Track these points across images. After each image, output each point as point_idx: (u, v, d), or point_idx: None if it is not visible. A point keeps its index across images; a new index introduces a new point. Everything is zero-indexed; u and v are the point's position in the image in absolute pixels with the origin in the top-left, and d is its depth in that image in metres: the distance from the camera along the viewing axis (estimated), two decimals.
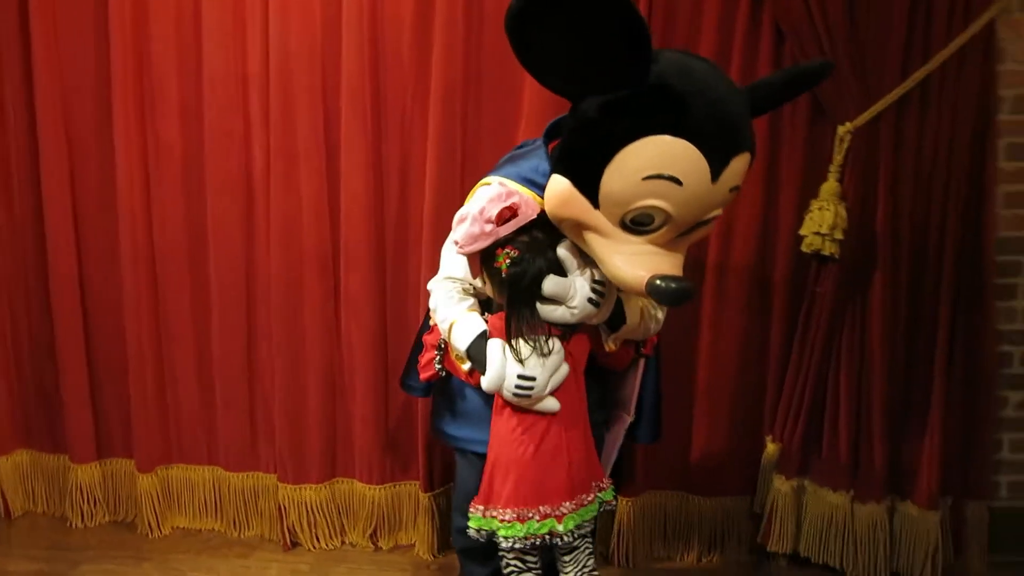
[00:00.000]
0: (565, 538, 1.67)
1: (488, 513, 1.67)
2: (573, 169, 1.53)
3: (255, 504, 2.62)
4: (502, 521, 1.65)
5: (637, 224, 1.51)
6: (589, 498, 1.70)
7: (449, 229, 1.75)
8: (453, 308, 1.74)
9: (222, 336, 2.54)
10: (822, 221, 2.19)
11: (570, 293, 1.61)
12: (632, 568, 2.45)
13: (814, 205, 2.21)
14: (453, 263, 1.77)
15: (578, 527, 1.68)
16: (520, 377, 1.60)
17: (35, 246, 2.60)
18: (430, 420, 2.04)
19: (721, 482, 2.46)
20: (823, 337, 2.27)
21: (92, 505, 2.68)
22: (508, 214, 1.59)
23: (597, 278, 1.62)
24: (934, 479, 2.31)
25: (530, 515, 1.65)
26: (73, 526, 2.66)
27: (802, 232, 2.23)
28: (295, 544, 2.56)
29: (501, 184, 1.67)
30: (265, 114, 2.41)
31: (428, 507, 2.47)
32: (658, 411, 2.00)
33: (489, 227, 1.58)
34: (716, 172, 1.46)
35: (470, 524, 1.69)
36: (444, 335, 1.75)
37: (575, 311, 1.61)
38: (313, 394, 2.49)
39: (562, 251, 1.62)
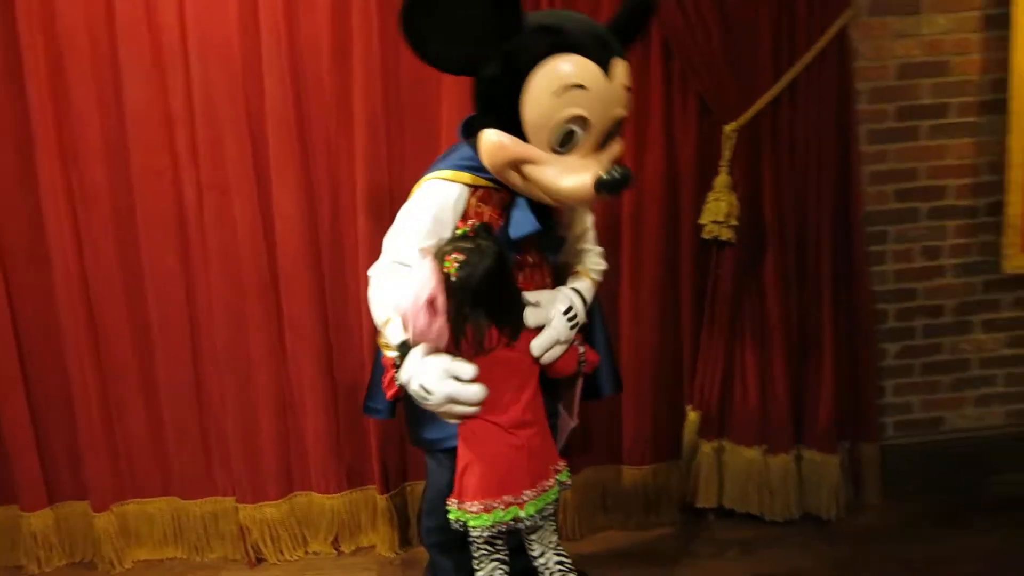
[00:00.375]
0: (527, 522, 1.85)
1: (461, 506, 1.83)
2: (496, 116, 1.75)
3: (216, 527, 2.70)
4: (471, 512, 1.81)
5: (565, 142, 1.74)
6: (549, 483, 1.88)
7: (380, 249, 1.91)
8: (394, 302, 1.79)
9: (167, 369, 2.60)
10: (718, 211, 2.47)
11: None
12: (580, 539, 2.68)
13: (710, 197, 2.49)
14: (404, 248, 1.84)
15: (540, 511, 1.86)
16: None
17: None
18: (408, 432, 2.10)
19: (651, 451, 2.71)
20: (727, 312, 2.56)
21: (48, 550, 2.68)
22: (433, 300, 1.70)
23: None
24: (831, 427, 2.63)
25: (495, 505, 1.81)
26: (29, 573, 2.67)
27: (701, 221, 2.51)
28: (260, 560, 2.66)
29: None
30: (193, 150, 2.48)
31: (386, 508, 2.62)
32: (613, 363, 2.22)
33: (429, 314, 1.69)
34: (606, 69, 1.72)
35: (450, 516, 1.84)
36: (379, 324, 1.84)
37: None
38: (265, 415, 2.59)
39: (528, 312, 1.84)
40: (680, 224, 2.58)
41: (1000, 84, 2.61)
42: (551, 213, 1.92)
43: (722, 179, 2.48)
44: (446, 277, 1.73)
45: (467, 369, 1.74)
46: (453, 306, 1.73)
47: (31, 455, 2.63)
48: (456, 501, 1.84)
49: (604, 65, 1.71)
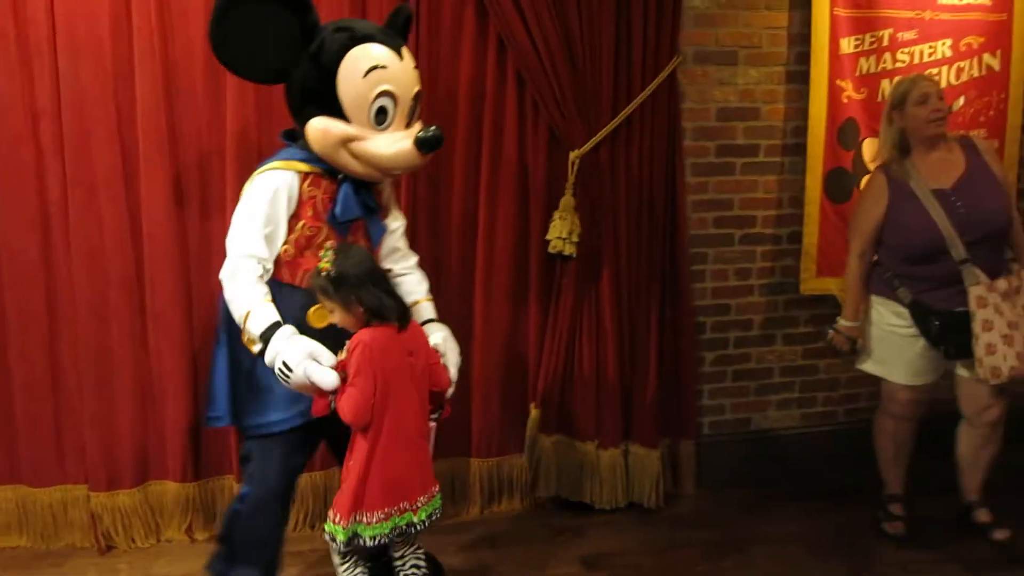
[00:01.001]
0: (418, 527, 2.01)
1: (357, 518, 1.94)
2: (318, 104, 2.03)
3: (64, 516, 2.71)
4: (368, 524, 1.94)
5: (381, 120, 2.05)
6: (436, 489, 2.08)
7: None
8: (251, 295, 1.96)
9: (23, 361, 2.61)
10: (562, 228, 2.76)
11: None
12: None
13: (556, 215, 2.78)
14: (247, 239, 1.99)
15: (430, 515, 2.05)
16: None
17: None
18: (240, 422, 2.18)
19: (497, 445, 2.96)
20: (568, 320, 2.85)
21: None
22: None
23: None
24: (654, 425, 2.98)
25: (393, 512, 1.96)
26: None
27: (548, 237, 2.80)
28: (110, 548, 2.70)
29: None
30: (59, 145, 2.53)
31: None
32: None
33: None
34: (398, 51, 2.08)
35: (336, 536, 1.95)
36: (239, 320, 1.97)
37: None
38: (123, 405, 2.65)
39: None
40: (529, 238, 2.86)
41: (800, 130, 3.06)
42: (375, 203, 2.17)
43: (567, 200, 2.78)
44: (325, 276, 1.93)
45: (326, 355, 1.92)
46: (339, 297, 1.93)
47: None
48: (339, 515, 1.95)
49: (396, 49, 2.07)
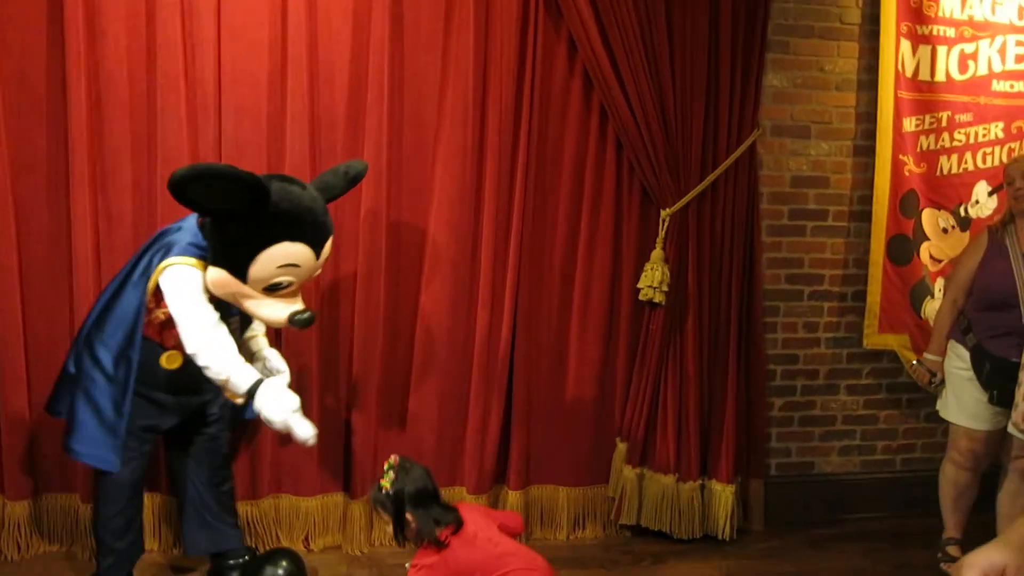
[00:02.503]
0: None
1: None
2: (228, 266, 2.30)
3: None
4: None
5: (273, 288, 2.34)
6: None
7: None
8: (230, 360, 2.35)
9: None
10: (653, 278, 3.07)
11: None
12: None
13: (647, 266, 3.10)
14: (202, 317, 2.34)
15: None
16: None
17: None
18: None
19: (583, 475, 3.22)
20: (655, 361, 3.13)
21: None
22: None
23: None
24: (730, 463, 3.22)
25: None
26: None
27: (639, 285, 3.10)
28: None
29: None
30: None
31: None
32: None
33: None
34: (318, 254, 2.38)
35: None
36: (220, 381, 2.35)
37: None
38: None
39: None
40: (621, 286, 3.17)
41: (865, 198, 3.38)
42: None
43: (657, 253, 3.09)
44: (384, 492, 2.29)
45: (306, 428, 2.36)
46: (393, 513, 2.28)
47: None
48: None
49: (318, 249, 2.37)
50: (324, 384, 3.00)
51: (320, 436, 2.45)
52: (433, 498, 2.31)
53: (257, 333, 2.72)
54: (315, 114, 2.92)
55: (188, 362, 2.41)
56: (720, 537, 3.22)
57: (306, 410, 2.44)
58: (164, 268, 2.37)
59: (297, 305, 2.40)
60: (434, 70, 2.98)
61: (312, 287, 2.90)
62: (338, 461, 3.05)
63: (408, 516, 2.26)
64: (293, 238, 2.29)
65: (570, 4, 2.92)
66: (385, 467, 2.33)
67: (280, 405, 2.33)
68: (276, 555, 2.72)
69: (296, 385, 2.56)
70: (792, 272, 3.40)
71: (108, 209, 2.86)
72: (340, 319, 3.01)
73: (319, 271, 2.50)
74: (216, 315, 2.38)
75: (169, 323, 2.41)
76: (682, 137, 3.07)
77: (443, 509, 2.30)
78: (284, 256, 2.29)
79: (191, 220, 2.43)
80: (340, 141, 2.95)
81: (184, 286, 2.35)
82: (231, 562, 2.74)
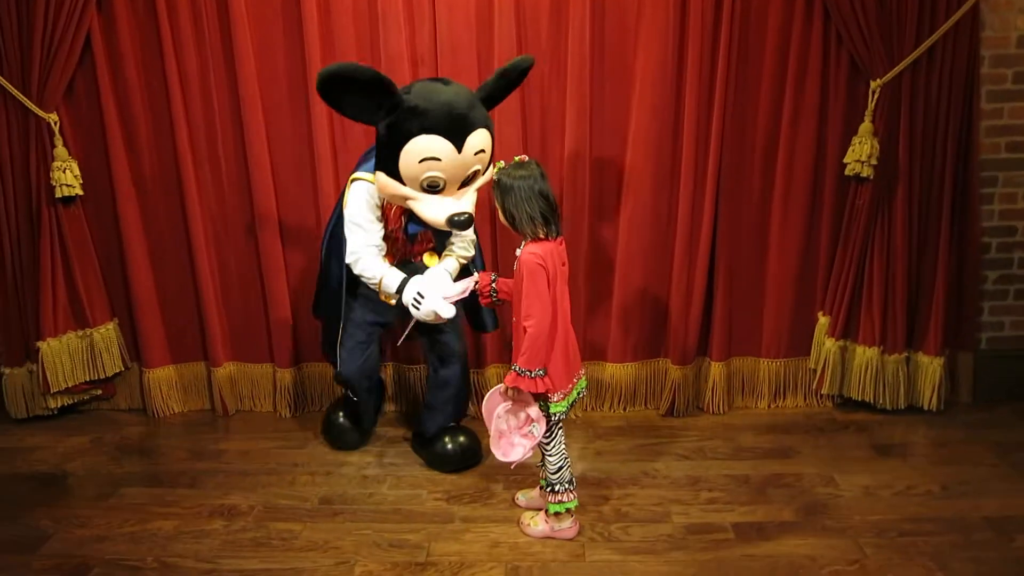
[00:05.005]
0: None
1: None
2: (384, 168, 2.49)
3: None
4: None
5: (431, 187, 2.47)
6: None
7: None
8: (379, 267, 2.65)
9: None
10: (861, 152, 3.03)
11: None
12: (723, 414, 3.33)
13: (855, 140, 3.05)
14: (365, 231, 2.64)
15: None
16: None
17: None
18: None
19: (785, 346, 3.34)
20: (861, 236, 3.13)
21: None
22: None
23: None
24: (938, 335, 3.21)
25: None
26: None
27: (846, 160, 3.07)
28: None
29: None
30: None
31: None
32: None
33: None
34: (459, 147, 2.42)
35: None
36: (374, 283, 2.65)
37: None
38: None
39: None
40: (826, 161, 3.15)
41: None
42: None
43: (866, 126, 3.03)
44: (497, 183, 2.35)
45: (448, 310, 2.57)
46: (499, 201, 2.35)
47: None
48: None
49: (458, 142, 2.41)
50: None
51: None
52: (543, 197, 2.32)
53: (454, 252, 2.85)
54: (520, 5, 3.05)
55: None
56: (926, 408, 3.26)
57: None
58: (349, 182, 2.67)
59: (459, 207, 2.51)
60: None
61: None
62: None
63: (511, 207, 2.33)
64: (427, 130, 2.39)
65: None
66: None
67: (424, 300, 2.57)
68: (454, 430, 2.98)
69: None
70: (1014, 140, 3.22)
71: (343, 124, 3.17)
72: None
73: (478, 167, 2.53)
74: (378, 234, 2.66)
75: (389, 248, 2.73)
76: (897, 2, 2.94)
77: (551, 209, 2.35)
78: (422, 150, 2.40)
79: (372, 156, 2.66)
80: (544, 30, 3.08)
81: (357, 199, 2.63)
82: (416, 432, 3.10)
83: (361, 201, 2.65)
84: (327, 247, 2.91)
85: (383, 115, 2.44)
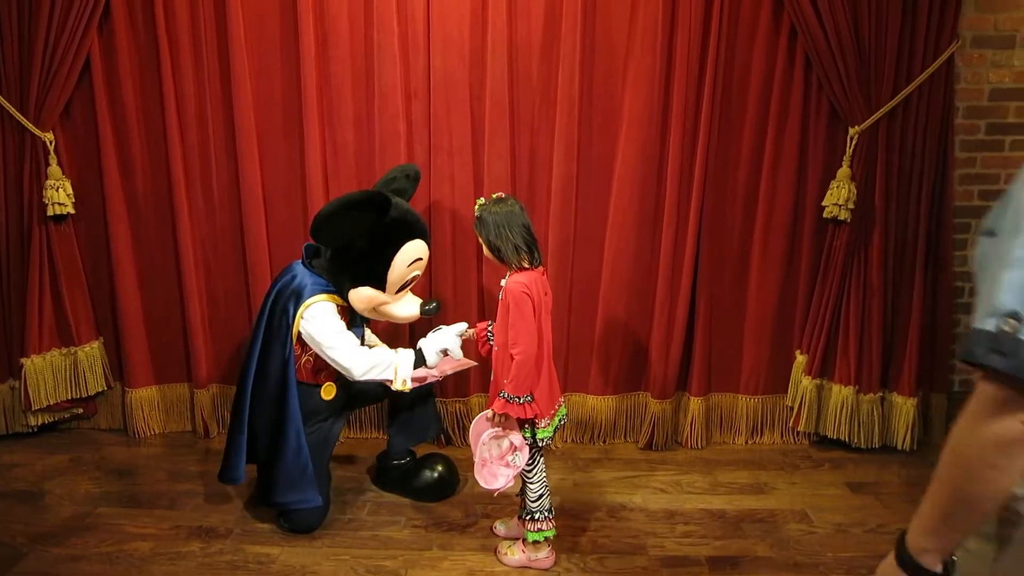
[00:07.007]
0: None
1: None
2: (369, 281, 2.61)
3: None
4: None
5: (404, 287, 2.68)
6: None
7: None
8: (384, 356, 2.66)
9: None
10: (838, 195, 3.12)
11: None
12: (700, 449, 3.38)
13: (833, 184, 3.14)
14: (345, 343, 2.63)
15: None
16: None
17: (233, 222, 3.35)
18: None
19: (762, 384, 3.39)
20: (838, 277, 3.21)
21: None
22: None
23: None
24: (912, 377, 3.28)
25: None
26: None
27: (824, 203, 3.16)
28: None
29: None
30: (426, 120, 3.18)
31: None
32: None
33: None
34: (428, 243, 2.72)
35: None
36: (391, 376, 2.64)
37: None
38: None
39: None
40: (805, 203, 3.24)
41: None
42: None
43: (844, 171, 3.13)
44: (479, 219, 2.42)
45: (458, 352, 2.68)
46: (482, 236, 2.42)
47: None
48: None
49: (427, 239, 2.71)
50: None
51: None
52: (523, 229, 2.40)
53: (376, 342, 3.01)
54: (513, 43, 3.14)
55: (341, 384, 2.80)
56: (900, 448, 3.31)
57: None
58: (304, 311, 2.64)
59: (417, 299, 2.77)
60: None
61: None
62: None
63: (493, 240, 2.39)
64: (412, 236, 2.63)
65: None
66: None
67: (444, 353, 2.68)
68: (432, 459, 3.01)
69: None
70: (986, 188, 3.33)
71: (334, 139, 3.24)
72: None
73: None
74: (353, 335, 2.68)
75: (319, 362, 2.71)
76: (875, 53, 3.05)
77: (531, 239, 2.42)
78: (412, 253, 2.63)
79: (297, 267, 2.74)
80: (536, 68, 3.16)
81: (326, 319, 2.64)
82: (394, 462, 3.05)
83: (330, 319, 2.65)
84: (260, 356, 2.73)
85: (369, 231, 2.56)
